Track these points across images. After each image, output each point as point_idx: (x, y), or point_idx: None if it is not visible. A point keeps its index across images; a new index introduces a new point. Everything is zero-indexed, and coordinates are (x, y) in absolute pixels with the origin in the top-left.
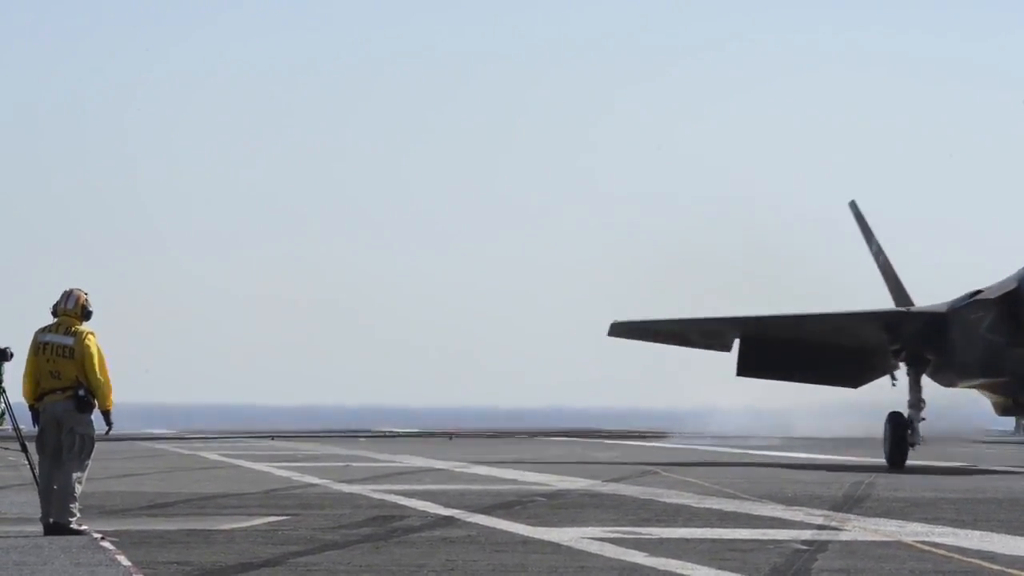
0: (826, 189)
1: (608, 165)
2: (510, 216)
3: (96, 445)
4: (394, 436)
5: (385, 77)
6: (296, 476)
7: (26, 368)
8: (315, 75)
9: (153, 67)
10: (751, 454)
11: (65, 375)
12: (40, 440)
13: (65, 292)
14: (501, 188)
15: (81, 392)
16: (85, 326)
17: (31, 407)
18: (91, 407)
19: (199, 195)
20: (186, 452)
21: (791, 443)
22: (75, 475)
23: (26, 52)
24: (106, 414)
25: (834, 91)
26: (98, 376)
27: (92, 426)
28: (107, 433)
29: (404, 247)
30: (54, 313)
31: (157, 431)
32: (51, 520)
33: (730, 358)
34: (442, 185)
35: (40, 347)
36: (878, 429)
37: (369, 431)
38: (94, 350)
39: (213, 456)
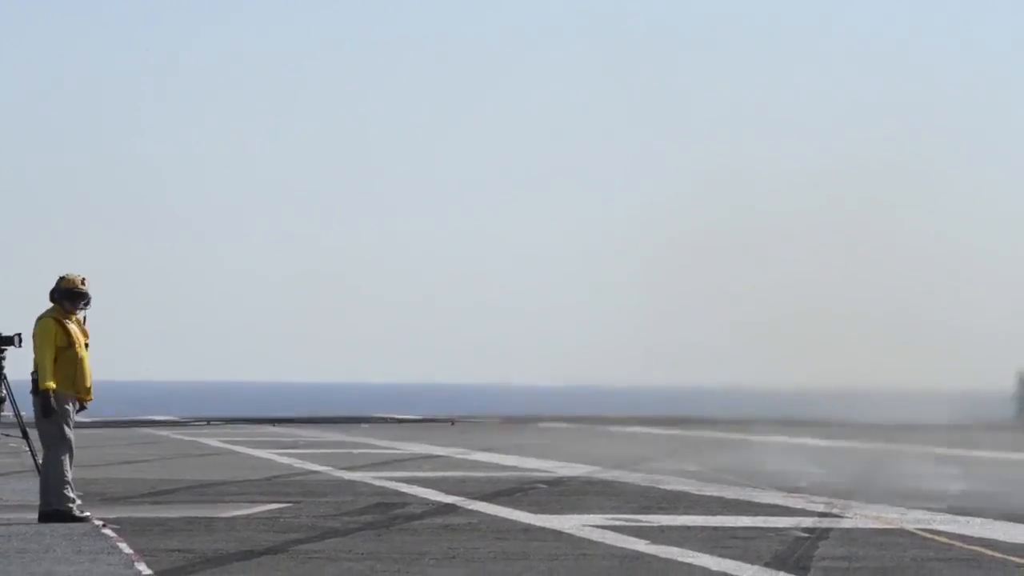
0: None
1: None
2: (513, 191)
3: (96, 432)
4: (395, 422)
5: (391, 70)
6: (297, 463)
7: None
8: (321, 67)
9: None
10: (751, 440)
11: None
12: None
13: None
14: (505, 157)
15: (34, 376)
16: (52, 309)
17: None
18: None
19: (201, 174)
20: (186, 438)
21: (792, 428)
22: (59, 458)
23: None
24: (43, 395)
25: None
26: (37, 356)
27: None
28: (45, 416)
29: (405, 220)
30: (51, 299)
31: (157, 417)
32: (50, 507)
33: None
34: (448, 153)
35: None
36: None
37: (370, 417)
38: (39, 332)
39: (213, 443)
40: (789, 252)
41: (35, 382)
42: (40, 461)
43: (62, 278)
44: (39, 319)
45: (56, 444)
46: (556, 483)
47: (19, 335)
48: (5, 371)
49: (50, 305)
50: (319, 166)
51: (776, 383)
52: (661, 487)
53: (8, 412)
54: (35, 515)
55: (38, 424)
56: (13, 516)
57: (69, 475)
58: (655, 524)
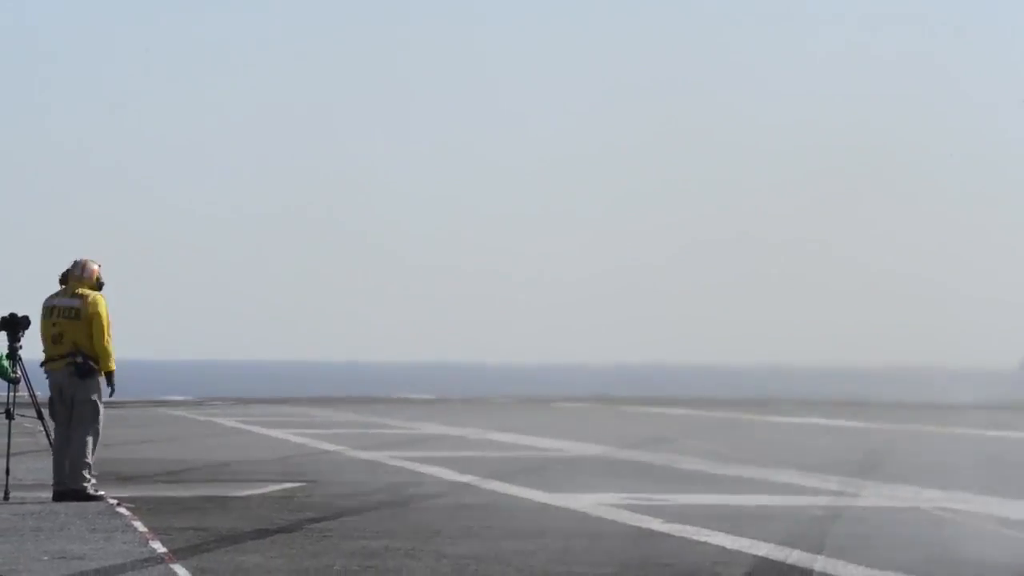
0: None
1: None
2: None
3: (111, 412)
4: (410, 402)
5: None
6: (311, 443)
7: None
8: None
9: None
10: (767, 420)
11: (66, 339)
12: (51, 408)
13: (77, 262)
14: (517, 148)
15: (79, 359)
16: (92, 291)
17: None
18: (93, 372)
19: (217, 154)
20: (201, 418)
21: (809, 408)
22: (87, 440)
23: None
24: (109, 375)
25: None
26: (103, 340)
27: (98, 390)
28: (111, 395)
29: (419, 202)
30: (63, 281)
31: (172, 397)
32: (64, 487)
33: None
34: (462, 133)
35: (48, 311)
36: None
37: (385, 397)
38: (103, 312)
39: (228, 423)
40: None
41: (80, 365)
42: (53, 440)
43: (89, 265)
44: (96, 296)
45: (93, 424)
46: (571, 462)
47: (27, 317)
48: (20, 353)
49: (61, 287)
50: (325, 137)
51: (817, 362)
52: (676, 467)
53: (24, 392)
54: (49, 494)
55: (80, 407)
56: (28, 495)
57: (92, 456)
58: (670, 503)
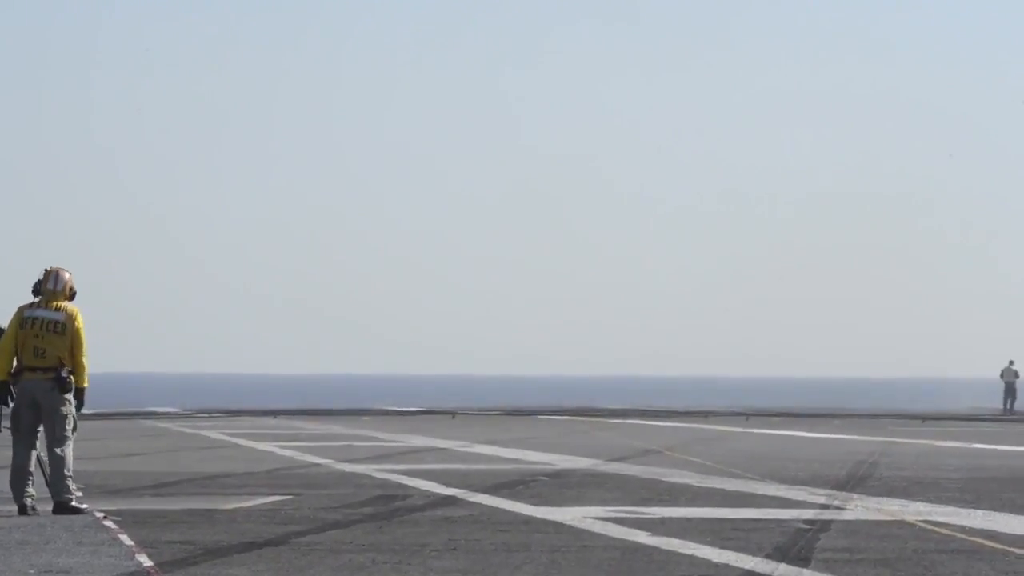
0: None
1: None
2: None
3: (98, 424)
4: (397, 415)
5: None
6: (299, 455)
7: (4, 344)
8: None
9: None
10: (753, 432)
11: (49, 353)
12: (15, 419)
13: (50, 271)
14: (504, 157)
15: (64, 373)
16: (71, 305)
17: (2, 383)
18: (71, 386)
19: (202, 169)
20: (188, 431)
21: (794, 422)
22: (68, 452)
23: None
24: (80, 392)
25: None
26: (82, 356)
27: (73, 404)
28: (78, 411)
29: (406, 220)
30: (35, 292)
31: (159, 409)
32: (53, 500)
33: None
34: (444, 141)
35: (27, 322)
36: None
37: (372, 410)
38: (82, 328)
39: (215, 435)
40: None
41: (64, 378)
42: (13, 453)
43: (62, 274)
44: (74, 313)
45: (70, 437)
46: (557, 475)
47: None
48: None
49: (36, 299)
50: (326, 164)
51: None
52: (663, 479)
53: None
54: (41, 507)
55: (62, 419)
56: (14, 508)
57: (71, 468)
58: (656, 516)
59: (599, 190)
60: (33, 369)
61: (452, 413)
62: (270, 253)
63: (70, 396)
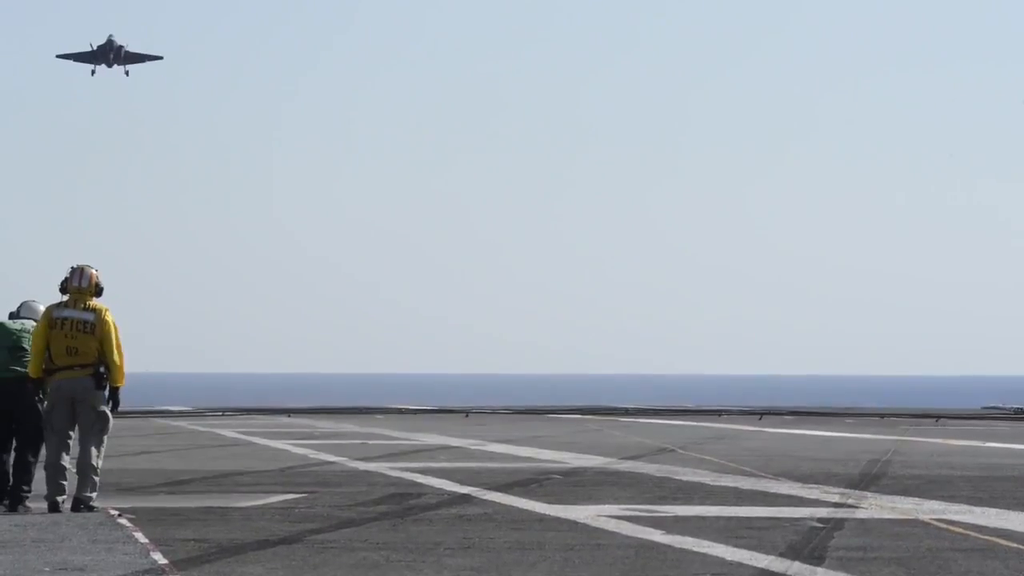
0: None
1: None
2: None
3: (112, 422)
4: (410, 413)
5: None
6: (312, 453)
7: (35, 344)
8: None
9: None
10: (766, 431)
11: (83, 352)
12: (49, 417)
13: (75, 269)
14: (516, 173)
15: (101, 369)
16: (99, 302)
17: (34, 381)
18: (107, 384)
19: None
20: (202, 429)
21: (807, 421)
22: (100, 449)
23: None
24: (115, 392)
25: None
26: (116, 354)
27: (107, 402)
28: (113, 411)
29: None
30: (63, 290)
31: (173, 407)
32: (74, 495)
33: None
34: (452, 165)
35: (57, 322)
36: None
37: (385, 408)
38: (113, 327)
39: (229, 433)
40: None
41: (102, 375)
42: (46, 451)
43: (87, 271)
44: (106, 311)
45: (104, 434)
46: (571, 473)
47: None
48: None
49: (65, 297)
50: (331, 164)
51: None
52: (676, 478)
53: None
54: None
55: (97, 416)
56: (29, 506)
57: (100, 466)
58: (670, 514)
59: (610, 190)
60: (70, 367)
61: (465, 412)
62: (286, 254)
63: (105, 393)
